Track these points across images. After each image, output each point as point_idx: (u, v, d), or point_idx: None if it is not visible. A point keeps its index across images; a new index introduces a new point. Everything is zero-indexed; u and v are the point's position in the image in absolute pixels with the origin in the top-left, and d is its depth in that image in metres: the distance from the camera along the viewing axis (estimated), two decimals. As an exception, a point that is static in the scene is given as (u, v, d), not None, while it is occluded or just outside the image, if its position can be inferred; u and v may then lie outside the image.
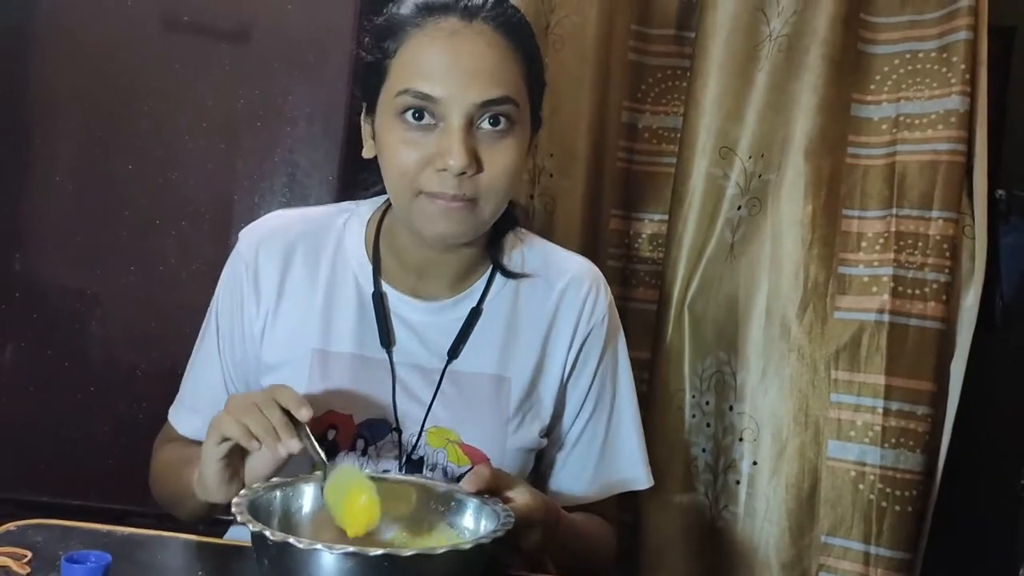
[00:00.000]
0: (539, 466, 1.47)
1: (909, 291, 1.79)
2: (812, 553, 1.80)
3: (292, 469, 1.19)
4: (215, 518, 1.30)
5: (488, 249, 1.42)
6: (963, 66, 1.79)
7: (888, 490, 1.76)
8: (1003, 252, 1.85)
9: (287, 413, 1.13)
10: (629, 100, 2.07)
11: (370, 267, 1.39)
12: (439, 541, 1.13)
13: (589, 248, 1.93)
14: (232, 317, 1.41)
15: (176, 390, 1.48)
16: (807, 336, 1.81)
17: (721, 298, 1.90)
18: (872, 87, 1.87)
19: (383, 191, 1.35)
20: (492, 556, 1.07)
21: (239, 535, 1.34)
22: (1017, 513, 1.94)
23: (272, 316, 1.39)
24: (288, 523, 1.12)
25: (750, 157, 1.91)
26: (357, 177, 1.48)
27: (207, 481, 1.18)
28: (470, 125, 1.24)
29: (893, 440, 1.76)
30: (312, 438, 1.15)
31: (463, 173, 1.22)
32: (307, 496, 1.15)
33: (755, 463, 1.84)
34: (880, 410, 1.77)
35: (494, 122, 1.25)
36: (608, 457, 1.47)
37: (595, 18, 1.99)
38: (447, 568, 0.99)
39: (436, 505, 1.17)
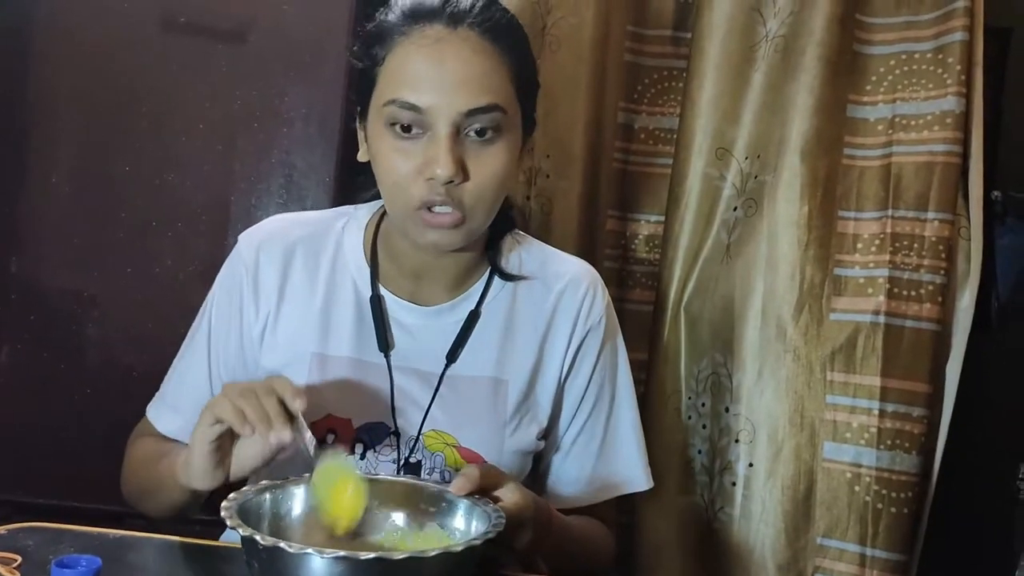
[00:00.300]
0: (537, 468, 1.47)
1: (905, 292, 1.79)
2: (808, 555, 1.80)
3: (285, 470, 1.19)
4: (203, 520, 1.30)
5: (486, 252, 1.42)
6: (959, 67, 1.80)
7: (884, 492, 1.76)
8: (999, 253, 1.84)
9: (283, 404, 1.13)
10: (625, 101, 2.07)
11: (368, 271, 1.39)
12: (429, 542, 1.13)
13: (586, 249, 1.94)
14: (229, 320, 1.41)
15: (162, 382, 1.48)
16: (803, 337, 1.81)
17: (717, 299, 1.91)
18: (868, 88, 1.87)
19: (380, 195, 1.36)
20: (484, 557, 1.07)
21: (233, 538, 1.35)
22: (1013, 514, 1.94)
23: (272, 320, 1.39)
24: (278, 526, 1.12)
25: (746, 158, 1.91)
26: (354, 180, 1.48)
27: (194, 466, 1.17)
28: (457, 133, 1.23)
29: (889, 442, 1.76)
30: (305, 429, 1.15)
31: (451, 182, 1.22)
32: (297, 499, 1.15)
33: (751, 465, 1.84)
34: (876, 412, 1.77)
35: (481, 130, 1.24)
36: (606, 459, 1.46)
37: (591, 19, 1.99)
38: (439, 570, 0.99)
39: (426, 506, 1.17)
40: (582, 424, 1.46)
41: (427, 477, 1.34)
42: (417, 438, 1.35)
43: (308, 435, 1.15)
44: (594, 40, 1.99)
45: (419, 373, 1.37)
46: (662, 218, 2.02)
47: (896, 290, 1.79)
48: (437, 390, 1.36)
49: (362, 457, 1.34)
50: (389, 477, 1.24)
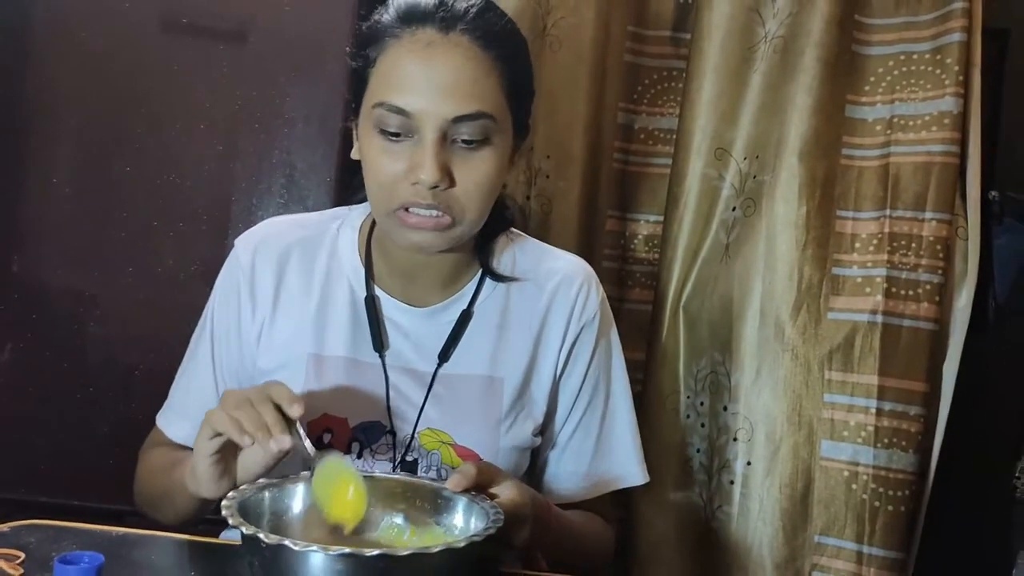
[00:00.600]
0: (534, 465, 1.48)
1: (902, 292, 1.80)
2: (805, 553, 1.80)
3: (284, 469, 1.20)
4: (204, 518, 1.31)
5: (477, 252, 1.42)
6: (957, 68, 1.80)
7: (881, 490, 1.77)
8: (996, 253, 1.85)
9: (280, 410, 1.13)
10: (625, 101, 2.08)
11: (363, 272, 1.40)
12: (427, 540, 1.13)
13: (585, 249, 1.94)
14: (228, 323, 1.42)
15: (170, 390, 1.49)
16: (801, 337, 1.82)
17: (716, 299, 1.91)
18: (866, 88, 1.88)
19: None
20: (484, 554, 1.08)
21: (233, 535, 1.35)
22: (1009, 512, 1.95)
23: (268, 322, 1.40)
24: (278, 524, 1.12)
25: (745, 158, 1.92)
26: (353, 180, 1.48)
27: (199, 477, 1.18)
28: (444, 139, 1.23)
29: (886, 440, 1.77)
30: (303, 434, 1.15)
31: (436, 187, 1.23)
32: (296, 497, 1.16)
33: (749, 463, 1.85)
34: (873, 410, 1.78)
35: (469, 138, 1.24)
36: (602, 454, 1.47)
37: (591, 20, 2.00)
38: (441, 566, 1.00)
39: (424, 504, 1.17)
40: (578, 420, 1.46)
41: (424, 475, 1.35)
42: (412, 437, 1.36)
43: (307, 440, 1.16)
44: (594, 40, 2.00)
45: (414, 372, 1.38)
46: (661, 218, 2.02)
47: (894, 290, 1.80)
48: (430, 389, 1.37)
49: (359, 456, 1.35)
50: (386, 475, 1.24)
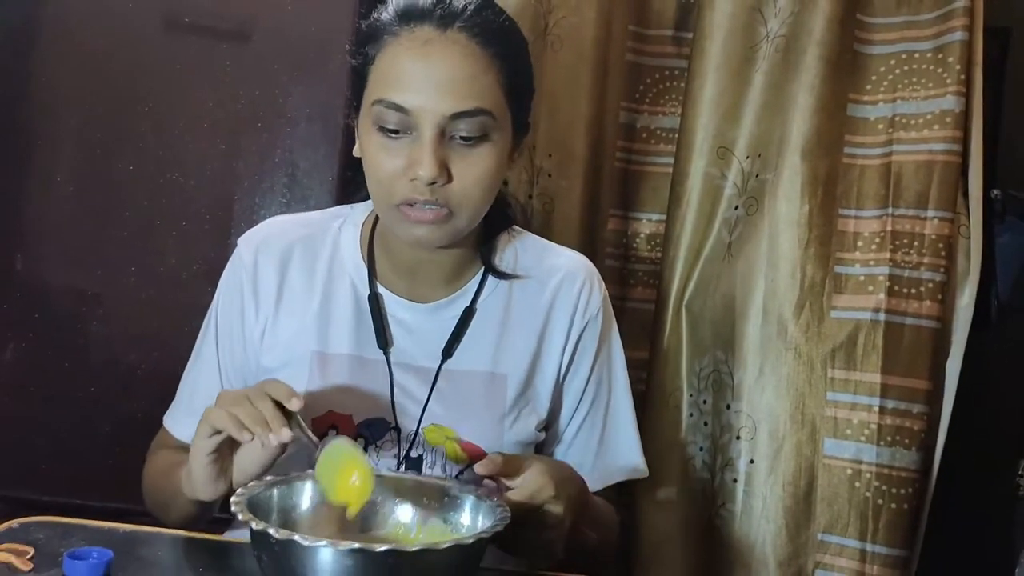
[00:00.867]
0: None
1: (905, 290, 1.80)
2: (809, 550, 1.80)
3: (288, 466, 1.20)
4: (213, 517, 1.31)
5: (479, 249, 1.43)
6: (958, 66, 1.81)
7: (884, 488, 1.77)
8: (998, 251, 1.85)
9: (279, 406, 1.13)
10: (627, 100, 2.08)
11: (365, 270, 1.41)
12: (433, 537, 1.14)
13: (587, 248, 1.94)
14: (232, 323, 1.43)
15: (176, 389, 1.49)
16: (804, 335, 1.82)
17: (718, 297, 1.91)
18: (868, 87, 1.88)
19: None
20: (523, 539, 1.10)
21: (238, 533, 1.36)
22: (1013, 510, 1.95)
23: (272, 320, 1.41)
24: (286, 520, 1.13)
25: (747, 157, 1.92)
26: (354, 178, 1.49)
27: (195, 477, 1.18)
28: (442, 136, 1.24)
29: (889, 438, 1.77)
30: (304, 425, 1.15)
31: (433, 183, 1.24)
32: (304, 493, 1.16)
33: (752, 461, 1.85)
34: (876, 408, 1.78)
35: (467, 134, 1.25)
36: (606, 448, 1.48)
37: (593, 19, 2.00)
38: (450, 563, 1.00)
39: (431, 502, 1.18)
40: (584, 416, 1.48)
41: (429, 471, 1.36)
42: (417, 432, 1.37)
43: (309, 432, 1.16)
44: (596, 40, 2.00)
45: (418, 369, 1.39)
46: (663, 217, 2.03)
47: (896, 288, 1.80)
48: (434, 385, 1.38)
49: (364, 452, 1.35)
50: (392, 473, 1.25)
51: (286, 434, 1.10)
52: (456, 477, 1.37)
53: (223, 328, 1.44)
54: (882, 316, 1.79)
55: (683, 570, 1.91)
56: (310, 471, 1.16)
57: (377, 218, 1.42)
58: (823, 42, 1.84)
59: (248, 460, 1.18)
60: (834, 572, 1.79)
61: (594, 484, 1.45)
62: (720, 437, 1.91)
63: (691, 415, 1.94)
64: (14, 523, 1.18)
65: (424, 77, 1.23)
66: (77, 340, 2.00)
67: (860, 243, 1.84)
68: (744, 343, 1.87)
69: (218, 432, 1.14)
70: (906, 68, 1.86)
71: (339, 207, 1.51)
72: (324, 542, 0.95)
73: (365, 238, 1.43)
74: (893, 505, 1.77)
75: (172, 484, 1.29)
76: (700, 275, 1.94)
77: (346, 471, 1.11)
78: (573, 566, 1.33)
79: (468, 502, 1.16)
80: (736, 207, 1.93)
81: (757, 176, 1.90)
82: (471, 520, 1.15)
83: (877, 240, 1.82)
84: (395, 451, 1.36)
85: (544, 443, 1.47)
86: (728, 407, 1.89)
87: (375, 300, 1.39)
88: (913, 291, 1.80)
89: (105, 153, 2.00)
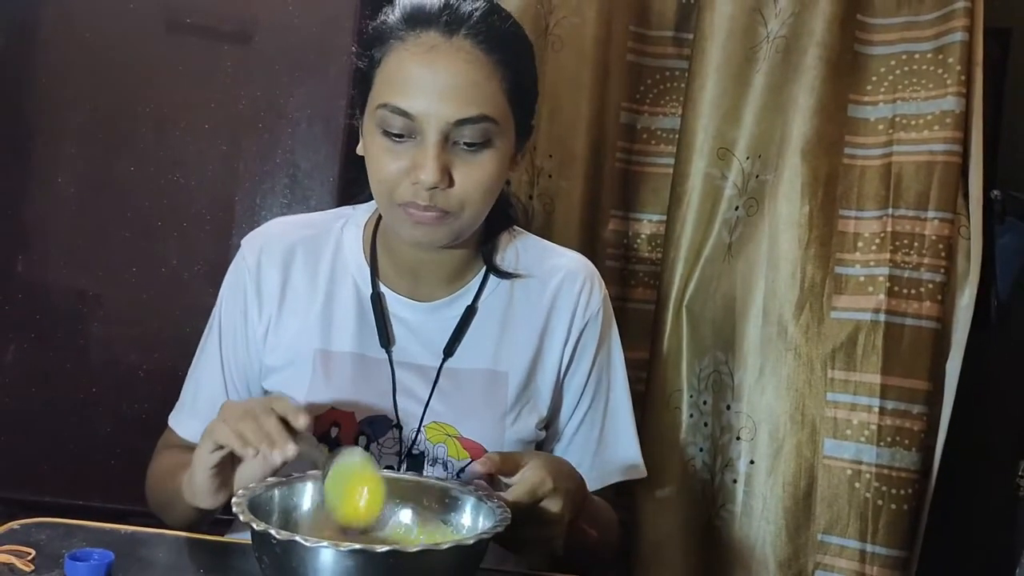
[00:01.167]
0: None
1: (905, 291, 1.80)
2: (809, 551, 1.80)
3: (285, 469, 1.20)
4: (216, 518, 1.31)
5: (480, 249, 1.44)
6: (959, 67, 1.81)
7: (884, 488, 1.77)
8: (998, 252, 1.85)
9: (284, 422, 1.13)
10: (627, 101, 2.08)
11: (368, 269, 1.42)
12: (433, 538, 1.14)
13: (587, 248, 1.94)
14: (235, 323, 1.44)
15: (177, 390, 1.49)
16: (804, 336, 1.82)
17: (719, 298, 1.91)
18: (868, 88, 1.88)
19: None
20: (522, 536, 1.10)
21: (239, 535, 1.36)
22: (1013, 511, 1.95)
23: (275, 320, 1.42)
24: (287, 521, 1.13)
25: (747, 158, 1.92)
26: (357, 177, 1.49)
27: (197, 487, 1.18)
28: (446, 141, 1.25)
29: (889, 439, 1.77)
30: (312, 438, 1.15)
31: (435, 187, 1.24)
32: (305, 495, 1.16)
33: (752, 462, 1.85)
34: (876, 409, 1.78)
35: (470, 140, 1.25)
36: (606, 447, 1.49)
37: (594, 19, 2.00)
38: (451, 563, 1.01)
39: (431, 503, 1.18)
40: (583, 414, 1.49)
41: (430, 469, 1.37)
42: (418, 430, 1.38)
43: (317, 445, 1.15)
44: (596, 40, 2.01)
45: (419, 367, 1.40)
46: (664, 217, 2.03)
47: (896, 288, 1.80)
48: (436, 383, 1.39)
49: (365, 450, 1.35)
50: (393, 474, 1.25)
51: (291, 450, 1.10)
52: (457, 475, 1.38)
53: (226, 329, 1.45)
54: (882, 317, 1.79)
55: (683, 571, 1.91)
56: (310, 472, 1.17)
57: (379, 218, 1.43)
58: (823, 43, 1.84)
59: (249, 473, 1.17)
60: (834, 573, 1.79)
61: (592, 483, 1.45)
62: (720, 438, 1.91)
63: (691, 416, 1.94)
64: (15, 524, 1.18)
65: (429, 83, 1.24)
66: (78, 341, 2.00)
67: (860, 244, 1.84)
68: (744, 344, 1.87)
69: (221, 447, 1.14)
70: (906, 69, 1.86)
71: (341, 208, 1.53)
72: (325, 543, 0.95)
73: (367, 238, 1.45)
74: (893, 506, 1.77)
75: (174, 486, 1.29)
76: (700, 276, 1.94)
77: (354, 490, 1.11)
78: (573, 566, 1.34)
79: (469, 503, 1.16)
80: (736, 208, 1.93)
81: (757, 177, 1.90)
82: (472, 521, 1.15)
83: (877, 241, 1.82)
84: (396, 449, 1.37)
85: (544, 441, 1.48)
86: (728, 408, 1.90)
87: (377, 299, 1.40)
88: (913, 292, 1.80)
89: (106, 154, 2.00)
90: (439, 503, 1.18)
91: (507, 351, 1.42)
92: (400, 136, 1.26)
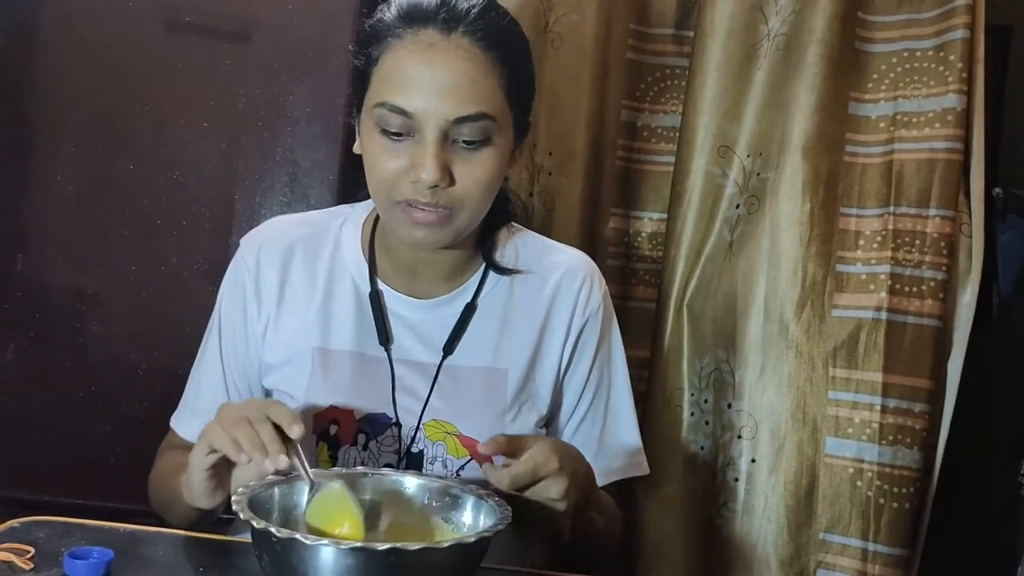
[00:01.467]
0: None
1: (906, 289, 1.80)
2: (810, 550, 1.80)
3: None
4: (218, 517, 1.31)
5: (480, 246, 1.44)
6: (960, 64, 1.80)
7: (886, 487, 1.77)
8: (1000, 250, 1.84)
9: (279, 429, 1.13)
10: (628, 99, 2.08)
11: (366, 267, 1.42)
12: (433, 536, 1.15)
13: (588, 246, 1.93)
14: (235, 322, 1.44)
15: (177, 389, 1.49)
16: (805, 334, 1.82)
17: (720, 296, 1.91)
18: (870, 85, 1.88)
19: None
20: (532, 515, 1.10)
21: (239, 533, 1.36)
22: (1015, 509, 1.95)
23: (274, 319, 1.42)
24: (287, 519, 1.12)
25: (748, 156, 1.92)
26: (356, 177, 1.49)
27: (193, 488, 1.18)
28: (445, 139, 1.25)
29: (891, 437, 1.77)
30: (302, 455, 1.14)
31: (436, 186, 1.24)
32: (305, 493, 1.15)
33: (753, 460, 1.85)
34: (878, 407, 1.77)
35: (469, 138, 1.25)
36: (607, 444, 1.49)
37: (594, 17, 2.00)
38: (452, 561, 1.00)
39: (432, 501, 1.18)
40: (584, 411, 1.48)
41: (429, 466, 1.37)
42: (418, 428, 1.38)
43: (306, 465, 1.14)
44: (596, 38, 2.00)
45: (419, 365, 1.39)
46: (664, 216, 2.03)
47: (898, 286, 1.80)
48: (435, 381, 1.39)
49: (364, 448, 1.36)
50: (394, 473, 1.24)
51: (282, 461, 1.09)
52: (457, 473, 1.37)
53: (226, 329, 1.45)
54: (884, 315, 1.79)
55: (685, 569, 1.91)
56: (313, 471, 1.16)
57: (378, 217, 1.43)
58: (824, 40, 1.84)
59: (245, 476, 1.17)
60: (836, 571, 1.79)
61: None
62: (721, 436, 1.90)
63: (692, 414, 1.93)
64: (15, 522, 1.18)
65: (427, 81, 1.24)
66: (77, 339, 2.00)
67: (861, 242, 1.83)
68: (745, 342, 1.87)
69: (216, 451, 1.14)
70: (907, 66, 1.86)
71: (340, 206, 1.53)
72: (326, 541, 0.95)
73: (366, 236, 1.45)
74: (895, 504, 1.77)
75: (175, 487, 1.29)
76: (701, 274, 1.94)
77: (335, 524, 1.10)
78: (577, 564, 1.34)
79: (470, 502, 1.16)
80: (737, 206, 1.93)
81: (758, 175, 1.90)
82: (473, 519, 1.15)
83: (879, 239, 1.82)
84: (396, 447, 1.37)
85: None
86: (729, 406, 1.89)
87: (376, 297, 1.40)
88: (915, 290, 1.80)
89: (105, 152, 2.00)
90: (440, 501, 1.18)
91: (507, 348, 1.42)
92: (398, 135, 1.25)
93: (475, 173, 1.27)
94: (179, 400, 1.50)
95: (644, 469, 1.52)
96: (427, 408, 1.38)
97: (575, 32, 2.00)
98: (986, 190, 1.81)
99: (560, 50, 2.00)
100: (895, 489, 1.77)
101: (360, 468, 1.22)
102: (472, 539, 1.00)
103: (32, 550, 1.09)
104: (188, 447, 1.40)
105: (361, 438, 1.36)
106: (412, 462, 1.37)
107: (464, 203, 1.28)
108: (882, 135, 1.85)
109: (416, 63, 1.24)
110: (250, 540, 1.05)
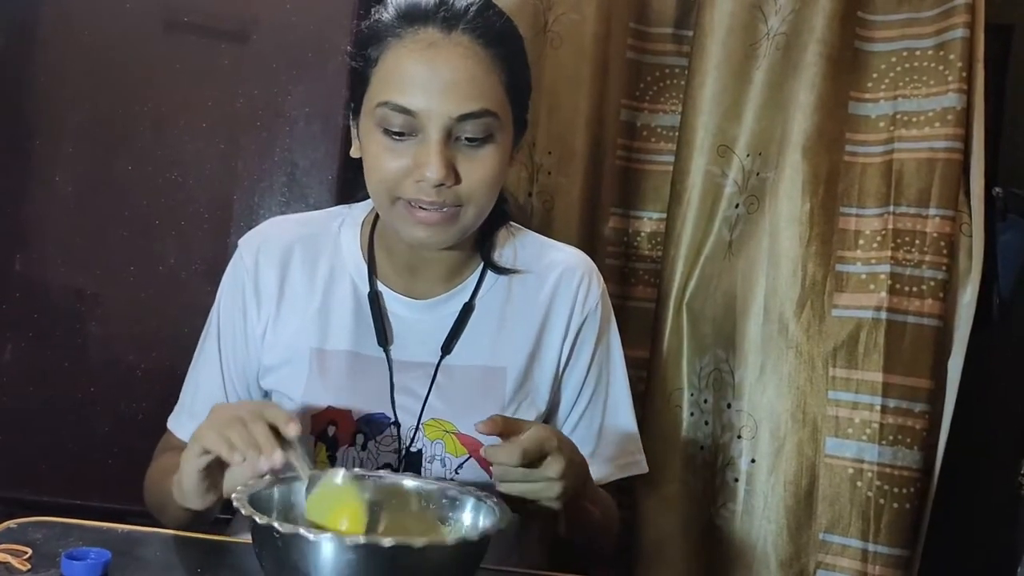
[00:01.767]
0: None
1: (906, 288, 1.80)
2: (810, 550, 1.80)
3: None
4: (215, 518, 1.31)
5: (478, 246, 1.44)
6: (960, 64, 1.80)
7: (886, 487, 1.77)
8: (1000, 249, 1.84)
9: (274, 430, 1.12)
10: (627, 98, 2.08)
11: (365, 268, 1.42)
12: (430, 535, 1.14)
13: (587, 246, 1.93)
14: (234, 323, 1.44)
15: (176, 390, 1.49)
16: (805, 334, 1.81)
17: (719, 296, 1.91)
18: (869, 85, 1.88)
19: None
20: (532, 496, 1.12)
21: (237, 533, 1.36)
22: (1015, 509, 1.95)
23: (273, 319, 1.42)
24: (286, 518, 1.12)
25: (748, 155, 1.91)
26: (355, 178, 1.49)
27: (185, 489, 1.18)
28: (448, 137, 1.25)
29: (891, 437, 1.77)
30: (299, 451, 1.14)
31: (441, 184, 1.24)
32: (304, 493, 1.15)
33: (753, 461, 1.85)
34: (878, 407, 1.77)
35: (472, 135, 1.26)
36: (605, 443, 1.49)
37: (593, 16, 2.00)
38: (455, 558, 1.00)
39: (430, 503, 1.18)
40: (582, 410, 1.49)
41: (428, 466, 1.37)
42: (417, 428, 1.38)
43: (304, 463, 1.14)
44: (596, 37, 2.00)
45: (417, 365, 1.40)
46: (664, 215, 2.03)
47: (898, 286, 1.79)
48: (434, 380, 1.39)
49: (363, 448, 1.36)
50: (392, 475, 1.24)
51: (278, 457, 1.09)
52: (456, 471, 1.38)
53: (225, 329, 1.45)
54: (883, 314, 1.79)
55: (684, 570, 1.91)
56: (311, 472, 1.16)
57: (377, 217, 1.43)
58: (824, 40, 1.84)
59: (239, 476, 1.16)
60: (836, 572, 1.79)
61: (593, 477, 1.45)
62: (721, 436, 1.90)
63: (692, 414, 1.93)
64: (12, 523, 1.18)
65: (430, 79, 1.24)
66: (76, 340, 1.99)
67: (861, 241, 1.83)
68: (745, 342, 1.87)
69: (208, 452, 1.13)
70: (907, 65, 1.86)
71: (339, 207, 1.53)
72: (329, 535, 0.94)
73: (365, 237, 1.45)
74: (895, 504, 1.76)
75: (166, 491, 1.29)
76: (701, 274, 1.94)
77: (335, 518, 1.09)
78: (573, 566, 1.34)
79: (469, 503, 1.16)
80: (737, 205, 1.92)
81: (758, 174, 1.90)
82: (472, 520, 1.15)
83: (878, 238, 1.82)
84: (395, 446, 1.37)
85: None
86: (729, 406, 1.89)
87: (375, 298, 1.40)
88: (915, 289, 1.79)
89: (104, 153, 1.99)
90: (438, 504, 1.18)
91: (505, 347, 1.42)
92: (400, 134, 1.26)
93: (479, 170, 1.27)
94: (177, 401, 1.49)
95: (643, 468, 1.52)
96: (426, 407, 1.38)
97: (574, 31, 2.00)
98: (986, 190, 1.81)
99: (559, 49, 2.00)
100: (895, 489, 1.77)
101: (358, 470, 1.22)
102: (476, 537, 1.01)
103: (29, 551, 1.09)
104: (181, 448, 1.41)
105: (359, 438, 1.36)
106: (411, 461, 1.37)
107: (470, 200, 1.28)
108: (882, 134, 1.85)
109: (417, 62, 1.25)
110: (248, 541, 1.05)
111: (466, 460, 1.37)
